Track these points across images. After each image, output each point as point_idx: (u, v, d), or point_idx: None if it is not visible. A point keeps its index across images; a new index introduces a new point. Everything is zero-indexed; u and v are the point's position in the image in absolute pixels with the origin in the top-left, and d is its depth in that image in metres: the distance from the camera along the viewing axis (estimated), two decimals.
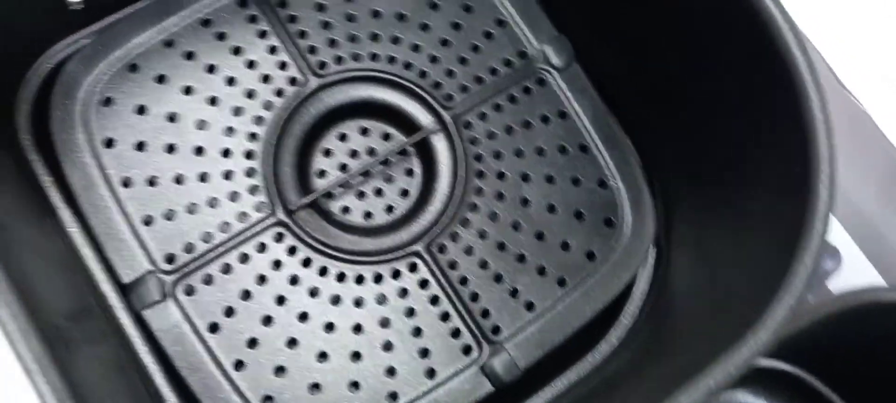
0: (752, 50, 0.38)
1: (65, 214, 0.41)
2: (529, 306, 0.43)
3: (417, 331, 0.42)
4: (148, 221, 0.41)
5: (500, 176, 0.45)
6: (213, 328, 0.40)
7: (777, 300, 0.33)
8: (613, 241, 0.45)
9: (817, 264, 0.33)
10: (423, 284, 0.43)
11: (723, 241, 0.41)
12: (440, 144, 0.45)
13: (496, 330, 0.42)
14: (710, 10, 0.40)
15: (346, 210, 0.44)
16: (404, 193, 0.45)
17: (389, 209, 0.45)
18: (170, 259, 0.41)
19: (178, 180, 0.42)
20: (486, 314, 0.43)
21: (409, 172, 0.45)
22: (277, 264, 0.42)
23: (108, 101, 0.42)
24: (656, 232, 0.46)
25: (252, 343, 0.40)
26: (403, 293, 0.42)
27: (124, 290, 0.40)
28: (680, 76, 0.44)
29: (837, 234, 0.49)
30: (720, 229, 0.42)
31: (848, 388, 0.45)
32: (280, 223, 0.42)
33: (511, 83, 0.47)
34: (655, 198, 0.46)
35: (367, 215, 0.44)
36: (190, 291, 0.40)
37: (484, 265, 0.43)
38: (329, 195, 0.44)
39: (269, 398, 0.40)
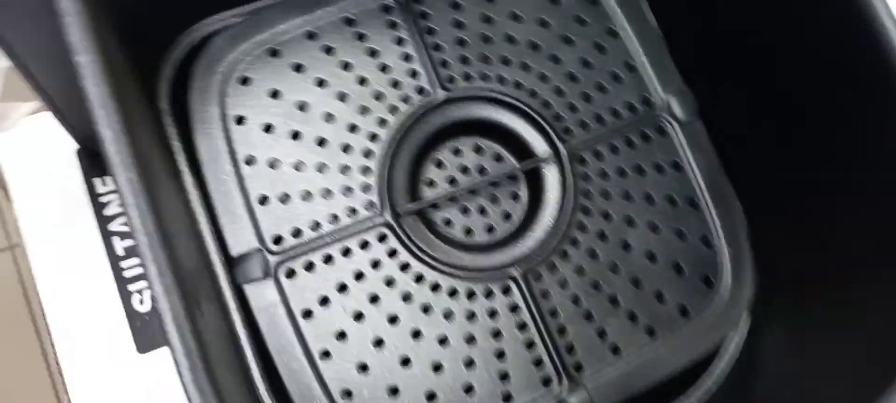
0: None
1: (188, 179, 0.42)
2: (615, 349, 0.42)
3: (500, 354, 0.42)
4: (263, 200, 0.42)
5: (606, 216, 0.45)
6: (307, 314, 0.41)
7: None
8: (709, 301, 0.44)
9: None
10: (514, 309, 0.42)
11: (820, 336, 0.40)
12: (551, 174, 0.45)
13: (579, 367, 0.42)
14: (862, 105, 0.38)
15: (448, 222, 0.44)
16: (507, 216, 0.45)
17: (490, 229, 0.45)
18: (277, 240, 0.42)
19: (297, 167, 0.43)
20: (571, 349, 0.42)
21: (515, 197, 0.45)
22: (376, 264, 0.42)
23: (245, 81, 0.44)
24: (753, 302, 0.44)
25: (341, 335, 0.41)
26: (493, 313, 0.42)
27: (231, 262, 0.41)
28: (810, 159, 0.42)
29: None
30: (820, 323, 0.41)
31: None
32: (386, 224, 0.43)
33: (631, 127, 0.46)
34: (758, 269, 0.45)
35: (468, 231, 0.45)
36: (291, 274, 0.41)
37: (576, 301, 0.43)
38: (434, 205, 0.44)
39: (348, 392, 0.40)
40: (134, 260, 0.47)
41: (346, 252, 0.42)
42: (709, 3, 0.46)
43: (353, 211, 0.43)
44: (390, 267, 0.42)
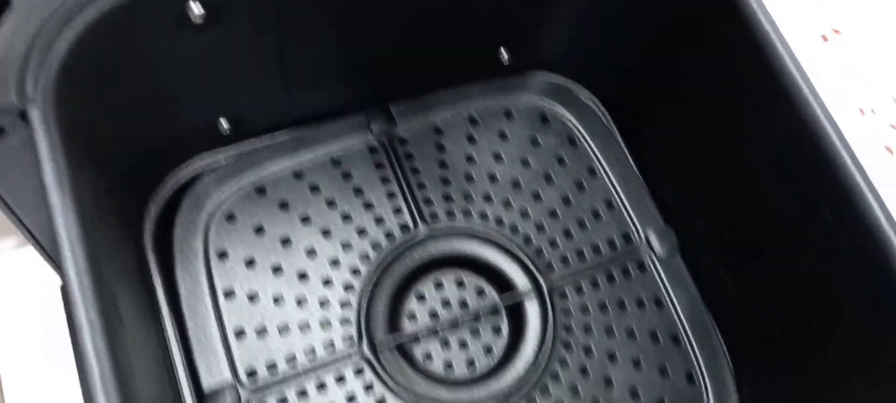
0: (874, 294, 0.34)
1: (167, 315, 0.41)
2: None
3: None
4: (239, 334, 0.40)
5: (587, 351, 0.42)
6: None
7: None
8: None
9: None
10: None
11: None
12: (532, 309, 0.42)
13: None
14: (837, 253, 0.36)
15: (428, 356, 0.42)
16: (488, 350, 0.42)
17: (471, 363, 0.42)
18: (251, 373, 0.39)
19: (277, 300, 0.41)
20: None
21: (497, 330, 0.43)
22: (352, 399, 0.39)
23: (230, 217, 0.42)
24: None
25: None
26: None
27: (202, 398, 0.39)
28: (791, 304, 0.40)
29: None
30: None
31: None
32: (363, 358, 0.40)
33: (612, 263, 0.44)
34: (739, 386, 0.42)
35: (448, 365, 0.42)
36: None
37: None
38: (415, 339, 0.42)
39: None
40: None
41: (321, 386, 0.40)
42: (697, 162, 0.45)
43: (331, 344, 0.40)
44: (366, 402, 0.40)
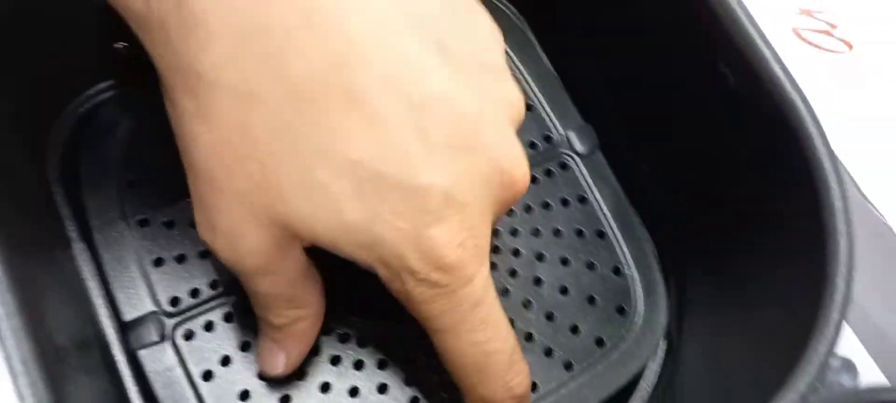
0: (779, 153, 0.35)
1: (78, 247, 0.38)
2: (533, 387, 0.38)
3: (414, 401, 0.38)
4: (158, 262, 0.38)
5: (515, 252, 0.41)
6: (207, 375, 0.36)
7: (786, 384, 0.29)
8: (624, 330, 0.40)
9: (827, 361, 0.29)
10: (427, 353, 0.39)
11: (734, 338, 0.37)
12: None
13: None
14: (741, 119, 0.37)
15: (357, 278, 0.41)
16: None
17: None
18: (174, 301, 0.37)
19: (194, 226, 0.39)
20: None
21: None
22: None
23: (138, 145, 0.40)
24: (668, 325, 0.41)
25: (244, 395, 0.36)
26: (407, 360, 0.39)
27: (125, 328, 0.37)
28: (704, 176, 0.40)
29: (858, 353, 0.44)
30: (732, 327, 0.38)
31: None
32: None
33: (533, 164, 0.43)
34: (669, 292, 0.42)
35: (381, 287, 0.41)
36: (189, 336, 0.37)
37: None
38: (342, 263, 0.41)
39: None
40: None
41: (248, 309, 0.38)
42: (604, 50, 0.45)
43: None
44: None
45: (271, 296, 0.32)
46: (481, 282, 0.30)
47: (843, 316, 0.31)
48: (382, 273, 0.29)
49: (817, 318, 0.31)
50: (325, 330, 0.38)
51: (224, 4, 0.25)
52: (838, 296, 0.31)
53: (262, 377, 0.37)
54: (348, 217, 0.27)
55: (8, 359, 0.26)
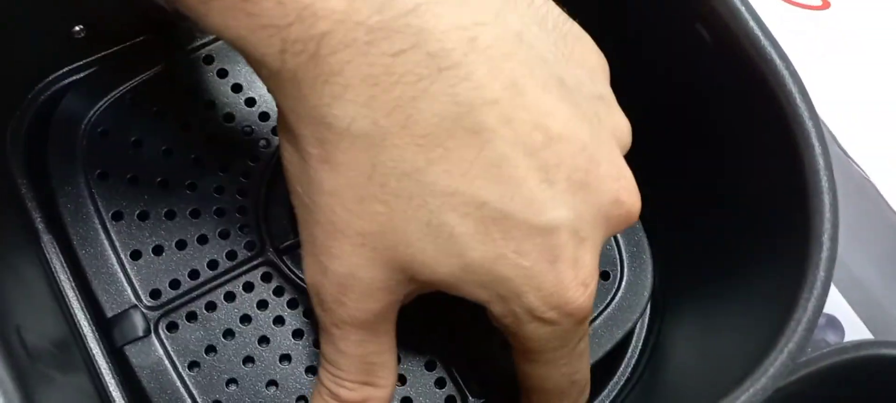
0: (760, 112, 0.34)
1: (50, 245, 0.37)
2: None
3: (401, 379, 0.37)
4: (136, 255, 0.37)
5: None
6: (193, 365, 0.36)
7: (776, 345, 0.29)
8: (610, 294, 0.40)
9: (816, 319, 0.29)
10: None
11: (720, 299, 0.37)
12: None
13: (483, 381, 0.37)
14: (720, 80, 0.36)
15: None
16: None
17: None
18: (155, 294, 0.37)
19: (170, 216, 0.38)
20: (473, 363, 0.38)
21: None
22: (263, 304, 0.37)
23: (104, 133, 0.39)
24: (654, 288, 0.41)
25: (231, 382, 0.36)
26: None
27: (106, 324, 0.36)
28: (685, 139, 0.40)
29: (841, 308, 0.44)
30: (718, 288, 0.38)
31: None
32: (268, 262, 0.38)
33: None
34: (655, 256, 0.42)
35: None
36: (173, 327, 0.36)
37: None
38: None
39: None
40: None
41: (230, 296, 0.37)
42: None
43: (233, 253, 0.38)
44: (278, 306, 0.37)
45: (355, 359, 0.31)
46: (589, 318, 0.30)
47: (829, 274, 0.31)
48: (496, 309, 0.29)
49: (804, 278, 0.31)
50: (308, 313, 0.37)
51: (359, 56, 0.26)
52: (824, 254, 0.31)
53: (247, 362, 0.36)
54: (471, 256, 0.28)
55: None
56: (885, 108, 0.47)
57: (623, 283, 0.40)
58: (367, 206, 0.27)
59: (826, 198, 0.32)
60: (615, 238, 0.41)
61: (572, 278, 0.28)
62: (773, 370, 0.29)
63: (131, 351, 0.36)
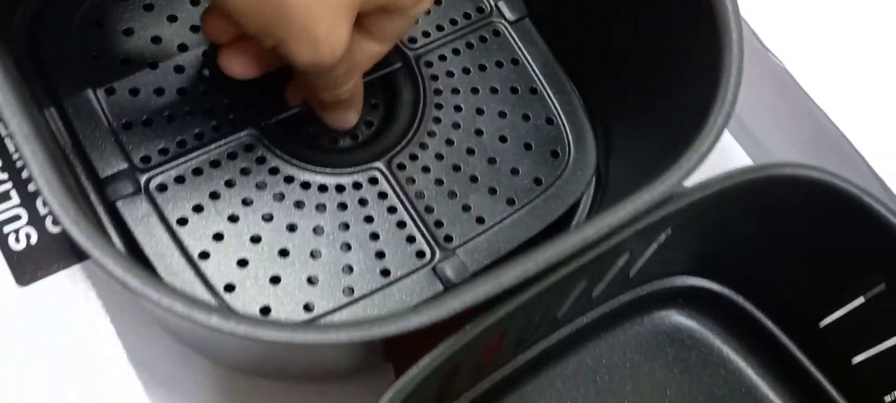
0: None
1: (52, 112, 0.39)
2: (480, 220, 0.41)
3: (375, 236, 0.40)
4: (127, 126, 0.39)
5: (457, 108, 0.43)
6: (182, 221, 0.38)
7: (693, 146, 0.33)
8: (558, 170, 0.43)
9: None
10: (382, 196, 0.40)
11: (650, 170, 0.40)
12: (403, 79, 0.44)
13: (448, 238, 0.40)
14: None
15: (313, 134, 0.43)
16: (369, 124, 0.43)
17: (354, 137, 0.43)
18: (145, 159, 0.39)
19: (158, 91, 0.40)
20: (439, 224, 0.41)
21: (374, 106, 0.44)
22: (246, 171, 0.39)
23: (99, 23, 0.41)
24: (596, 164, 0.44)
25: (218, 236, 0.38)
26: (363, 202, 0.40)
27: (101, 183, 0.38)
28: (619, 32, 0.43)
29: None
30: (649, 162, 0.41)
31: (767, 302, 0.43)
32: (251, 135, 0.40)
33: (468, 32, 0.45)
34: (597, 136, 0.45)
35: (334, 141, 0.43)
36: (162, 188, 0.38)
37: (439, 182, 0.41)
38: (299, 119, 0.43)
39: (231, 286, 0.37)
40: (4, 205, 0.43)
41: (215, 163, 0.39)
42: None
43: (219, 127, 0.40)
44: (260, 173, 0.40)
45: (346, 72, 0.37)
46: None
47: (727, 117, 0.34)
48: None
49: (705, 121, 0.34)
50: (288, 179, 0.40)
51: None
52: (731, 83, 0.35)
53: (231, 220, 0.38)
54: None
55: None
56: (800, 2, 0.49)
57: (570, 161, 0.44)
58: None
59: (735, 50, 0.35)
60: (562, 122, 0.44)
61: None
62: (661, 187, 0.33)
63: (123, 206, 0.38)
